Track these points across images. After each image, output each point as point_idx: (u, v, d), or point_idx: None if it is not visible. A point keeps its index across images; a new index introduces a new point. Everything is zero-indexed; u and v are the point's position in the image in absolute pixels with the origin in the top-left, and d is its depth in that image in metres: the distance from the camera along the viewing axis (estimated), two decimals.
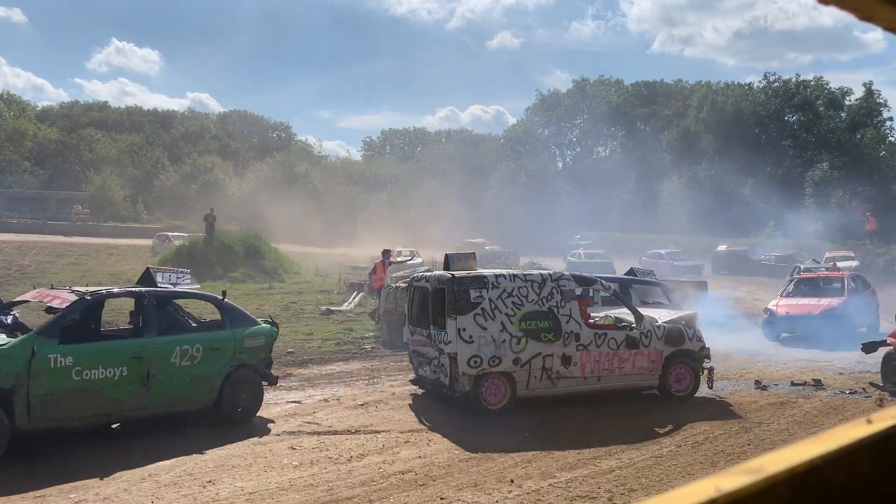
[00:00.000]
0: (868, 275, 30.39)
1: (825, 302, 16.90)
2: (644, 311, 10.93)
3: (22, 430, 7.42)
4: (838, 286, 17.65)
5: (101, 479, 6.95)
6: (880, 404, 10.06)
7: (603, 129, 70.61)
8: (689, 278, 26.31)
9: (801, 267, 34.52)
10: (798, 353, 14.94)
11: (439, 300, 9.72)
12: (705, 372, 10.83)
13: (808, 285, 18.40)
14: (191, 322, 9.57)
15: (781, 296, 18.09)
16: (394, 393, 10.91)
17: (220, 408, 8.89)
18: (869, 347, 12.16)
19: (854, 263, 31.07)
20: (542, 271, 11.24)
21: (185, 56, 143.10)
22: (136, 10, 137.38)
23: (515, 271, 10.46)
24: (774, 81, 60.24)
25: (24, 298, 9.45)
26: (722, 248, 38.97)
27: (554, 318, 9.75)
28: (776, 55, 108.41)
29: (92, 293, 8.50)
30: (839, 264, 28.94)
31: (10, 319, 9.05)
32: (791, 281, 19.03)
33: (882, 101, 55.37)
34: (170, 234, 38.73)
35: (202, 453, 7.76)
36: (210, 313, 10.91)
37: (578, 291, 10.45)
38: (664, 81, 69.01)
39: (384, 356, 14.18)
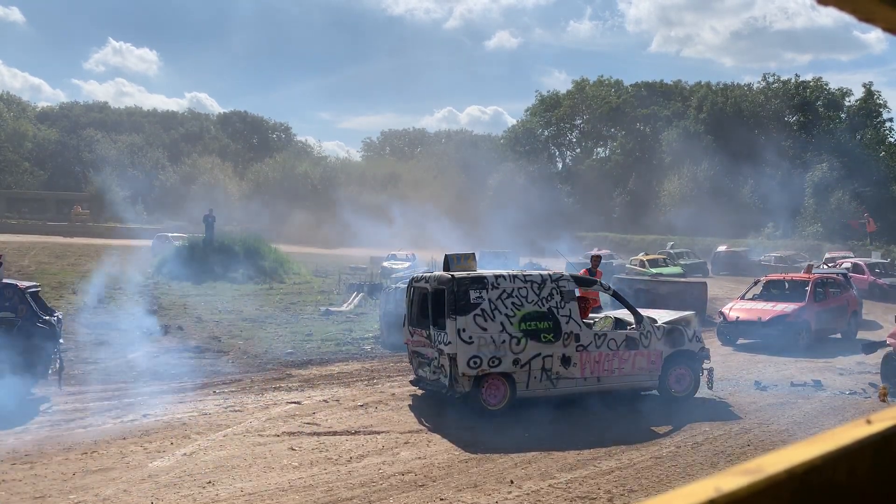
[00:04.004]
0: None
1: (779, 308, 15.84)
2: (645, 311, 10.94)
3: None
4: (804, 290, 16.40)
5: (101, 478, 6.95)
6: (884, 399, 10.06)
7: (603, 130, 70.59)
8: (687, 279, 26.27)
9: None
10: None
11: (439, 301, 9.72)
12: (705, 372, 10.83)
13: (776, 288, 17.47)
14: None
15: (741, 298, 17.31)
16: (393, 394, 10.90)
17: None
18: (869, 348, 12.17)
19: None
20: (542, 272, 11.24)
21: (184, 56, 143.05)
22: (134, 10, 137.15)
23: (515, 272, 10.46)
24: (774, 82, 60.26)
25: None
26: (722, 248, 38.93)
27: (554, 318, 9.75)
28: (774, 56, 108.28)
29: None
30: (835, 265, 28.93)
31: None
32: (756, 283, 18.08)
33: (882, 101, 55.36)
34: (169, 234, 38.69)
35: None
36: None
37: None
38: (664, 82, 68.95)
39: (384, 357, 14.18)
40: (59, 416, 9.37)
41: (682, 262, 34.14)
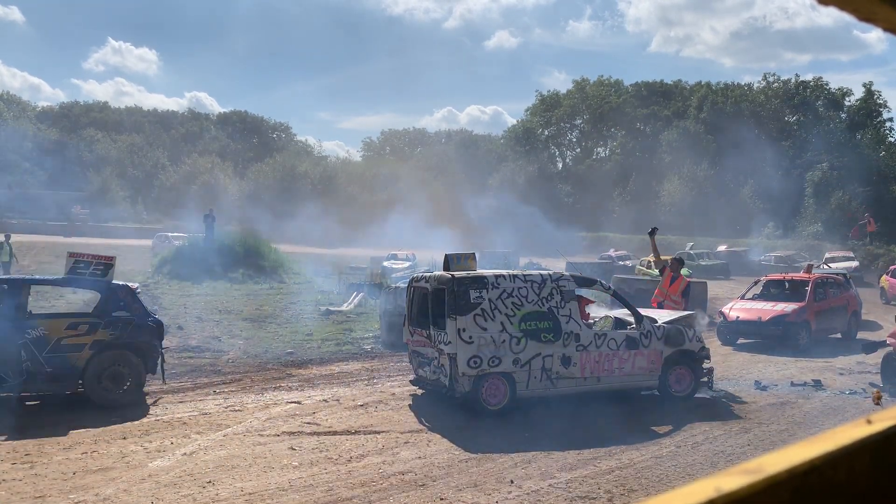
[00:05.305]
0: (868, 276, 30.47)
1: (779, 308, 15.81)
2: (644, 311, 10.94)
3: None
4: (804, 290, 16.36)
5: (101, 478, 6.95)
6: (878, 402, 10.05)
7: (603, 130, 70.61)
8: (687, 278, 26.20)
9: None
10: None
11: (439, 301, 9.72)
12: (705, 372, 10.83)
13: (775, 288, 17.46)
14: None
15: (741, 298, 17.28)
16: (393, 393, 10.90)
17: None
18: (869, 348, 12.18)
19: (854, 264, 31.08)
20: (542, 272, 11.24)
21: (183, 56, 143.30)
22: (133, 10, 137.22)
23: (515, 272, 10.46)
24: (774, 82, 60.26)
25: None
26: (722, 248, 38.94)
27: (554, 318, 9.75)
28: (774, 55, 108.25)
29: None
30: (838, 265, 28.96)
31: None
32: (756, 282, 18.01)
33: (882, 101, 55.32)
34: (169, 234, 38.75)
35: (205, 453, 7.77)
36: None
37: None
38: (664, 82, 68.91)
39: (384, 357, 14.18)
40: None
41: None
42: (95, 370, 9.73)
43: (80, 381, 9.73)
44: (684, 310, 11.77)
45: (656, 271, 29.32)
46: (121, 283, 10.67)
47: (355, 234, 42.29)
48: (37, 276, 11.51)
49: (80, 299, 18.27)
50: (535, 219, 45.56)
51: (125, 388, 9.89)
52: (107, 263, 10.37)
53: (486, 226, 42.70)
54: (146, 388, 10.52)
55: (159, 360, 10.46)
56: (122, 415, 9.35)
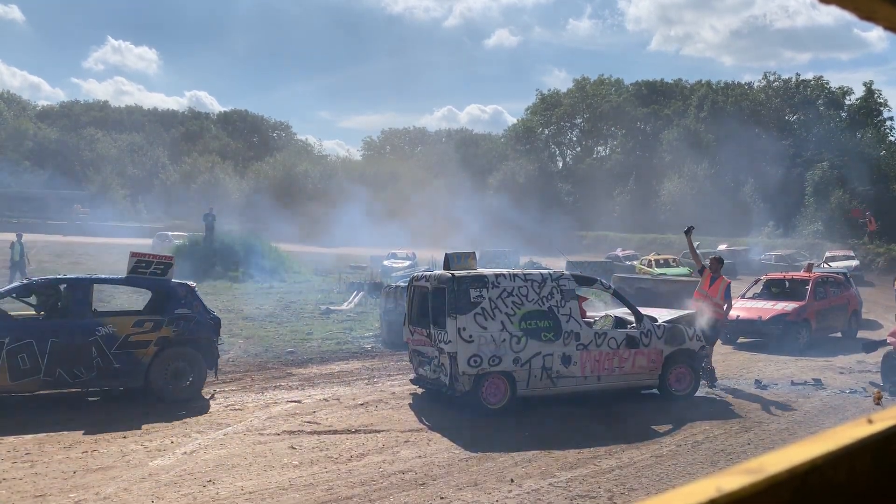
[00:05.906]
0: (868, 275, 30.48)
1: (780, 307, 15.83)
2: (645, 310, 10.94)
3: None
4: (804, 289, 16.38)
5: (102, 477, 6.95)
6: (878, 402, 10.06)
7: (603, 129, 70.54)
8: (687, 278, 26.21)
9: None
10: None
11: (439, 300, 9.72)
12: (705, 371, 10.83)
13: (776, 287, 17.48)
14: None
15: (741, 297, 17.12)
16: (394, 392, 10.90)
17: None
18: (869, 347, 12.18)
19: (854, 263, 31.07)
20: (542, 271, 11.24)
21: (183, 55, 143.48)
22: (133, 8, 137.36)
23: (515, 271, 10.45)
24: (774, 81, 60.22)
25: None
26: (722, 247, 38.89)
27: (554, 317, 9.75)
28: (774, 54, 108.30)
29: None
30: (839, 264, 28.96)
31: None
32: (757, 282, 18.02)
33: (882, 100, 55.28)
34: (170, 233, 38.81)
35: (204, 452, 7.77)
36: None
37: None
38: (664, 81, 68.84)
39: (384, 356, 14.18)
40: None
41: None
42: (160, 366, 9.98)
43: (146, 377, 9.93)
44: (728, 311, 11.72)
45: (658, 270, 29.33)
46: (181, 281, 10.96)
47: (344, 233, 42.20)
48: (101, 276, 11.67)
49: None
50: (536, 218, 45.47)
51: (187, 383, 10.16)
52: (167, 263, 10.70)
53: (486, 225, 42.66)
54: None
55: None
56: (188, 409, 9.57)
